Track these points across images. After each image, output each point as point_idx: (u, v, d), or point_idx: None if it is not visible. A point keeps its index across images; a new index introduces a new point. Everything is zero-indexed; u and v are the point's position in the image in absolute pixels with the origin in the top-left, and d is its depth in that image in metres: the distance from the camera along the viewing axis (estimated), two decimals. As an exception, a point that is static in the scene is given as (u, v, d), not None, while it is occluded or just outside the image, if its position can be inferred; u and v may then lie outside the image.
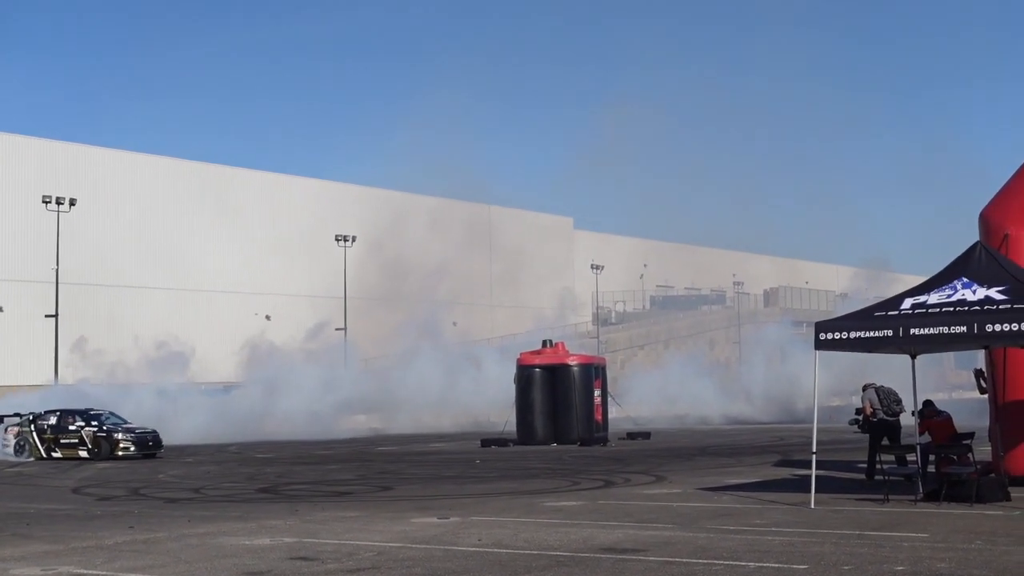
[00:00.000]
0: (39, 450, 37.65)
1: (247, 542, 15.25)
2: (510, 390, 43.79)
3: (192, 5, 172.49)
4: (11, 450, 37.96)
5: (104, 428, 37.72)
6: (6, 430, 38.82)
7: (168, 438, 40.11)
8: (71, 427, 37.87)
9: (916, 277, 22.41)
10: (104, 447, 37.07)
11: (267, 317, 78.44)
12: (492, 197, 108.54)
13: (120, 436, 37.41)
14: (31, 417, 38.60)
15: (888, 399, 23.68)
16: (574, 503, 19.80)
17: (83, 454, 37.23)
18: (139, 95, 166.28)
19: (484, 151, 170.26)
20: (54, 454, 37.44)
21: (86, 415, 38.46)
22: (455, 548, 14.21)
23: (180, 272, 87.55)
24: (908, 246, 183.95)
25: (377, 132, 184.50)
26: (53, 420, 38.34)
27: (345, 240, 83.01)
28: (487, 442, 41.11)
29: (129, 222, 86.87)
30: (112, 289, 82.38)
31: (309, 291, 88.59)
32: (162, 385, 52.81)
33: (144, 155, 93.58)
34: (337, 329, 75.05)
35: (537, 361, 43.09)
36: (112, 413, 39.57)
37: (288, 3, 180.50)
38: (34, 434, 37.95)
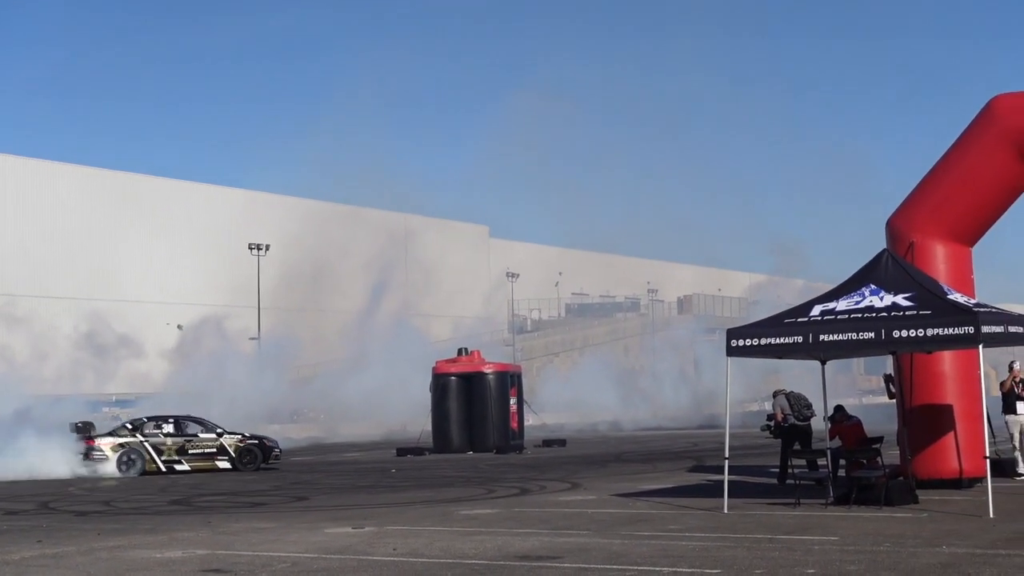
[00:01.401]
0: (156, 463, 33.15)
1: (158, 555, 15.02)
2: (426, 398, 43.67)
3: (107, 9, 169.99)
4: (112, 465, 32.78)
5: (250, 435, 34.86)
6: (87, 440, 33.38)
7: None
8: (201, 434, 34.08)
9: (826, 284, 22.70)
10: (257, 456, 33.94)
11: (179, 327, 77.32)
12: (408, 205, 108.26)
13: (268, 443, 34.62)
14: (130, 425, 34.51)
15: (799, 404, 23.97)
16: (489, 511, 19.78)
17: (223, 464, 33.53)
18: (51, 101, 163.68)
19: (399, 159, 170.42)
20: (178, 467, 33.20)
21: (199, 421, 34.82)
22: (370, 558, 14.13)
23: (92, 281, 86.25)
24: (819, 252, 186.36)
25: (291, 139, 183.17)
26: (169, 427, 33.99)
27: (259, 248, 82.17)
28: (403, 451, 40.92)
29: (42, 231, 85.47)
30: (26, 299, 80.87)
31: (223, 300, 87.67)
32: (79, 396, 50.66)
33: (57, 163, 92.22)
34: (251, 339, 74.32)
35: (453, 369, 43.02)
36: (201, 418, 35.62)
37: (201, 8, 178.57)
38: (146, 444, 33.39)
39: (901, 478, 19.23)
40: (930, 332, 16.82)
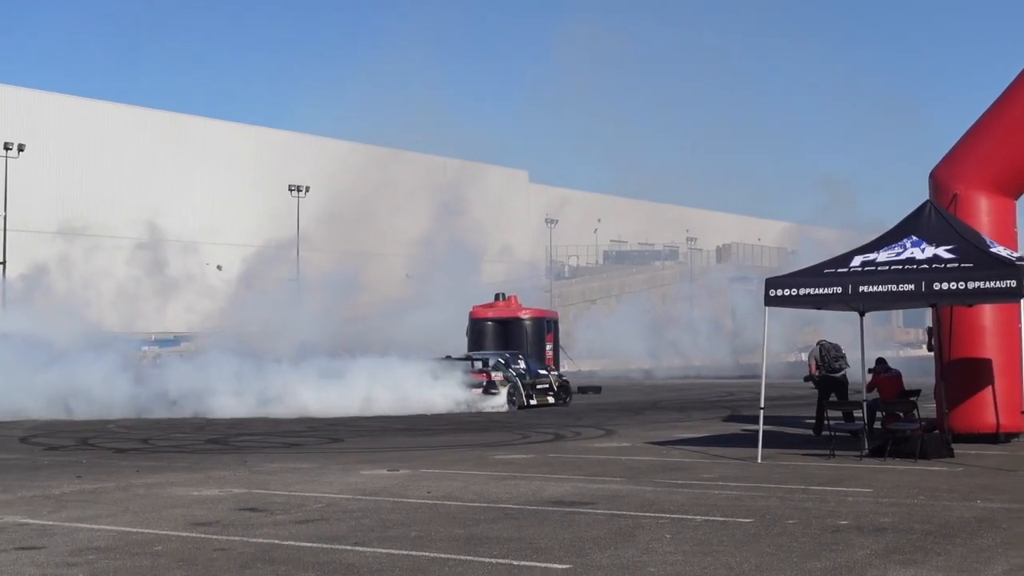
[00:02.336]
0: (522, 398, 34.65)
1: (195, 493, 15.21)
2: (462, 343, 43.72)
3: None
4: (503, 399, 33.66)
5: (558, 373, 36.85)
6: (483, 374, 34.12)
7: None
8: (540, 371, 36.37)
9: (867, 235, 22.40)
10: (567, 393, 36.75)
11: (218, 267, 77.70)
12: (448, 149, 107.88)
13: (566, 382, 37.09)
14: (503, 360, 35.54)
15: (829, 355, 23.72)
16: (524, 456, 19.87)
17: (551, 400, 35.77)
18: (95, 40, 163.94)
19: (440, 102, 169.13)
20: (531, 402, 34.88)
21: (519, 358, 36.70)
22: (404, 500, 14.23)
23: (133, 221, 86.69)
24: (863, 201, 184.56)
25: (333, 82, 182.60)
26: (520, 365, 35.85)
27: (299, 190, 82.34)
28: None
29: (82, 170, 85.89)
30: (65, 237, 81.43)
31: (263, 241, 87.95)
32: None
33: (99, 101, 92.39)
34: (289, 280, 74.57)
35: (490, 314, 43.08)
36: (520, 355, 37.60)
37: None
38: (518, 380, 34.82)
39: (937, 432, 19.13)
40: (971, 285, 16.67)
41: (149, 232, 57.89)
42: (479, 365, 34.79)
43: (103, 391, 33.32)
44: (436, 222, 68.36)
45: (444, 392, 33.22)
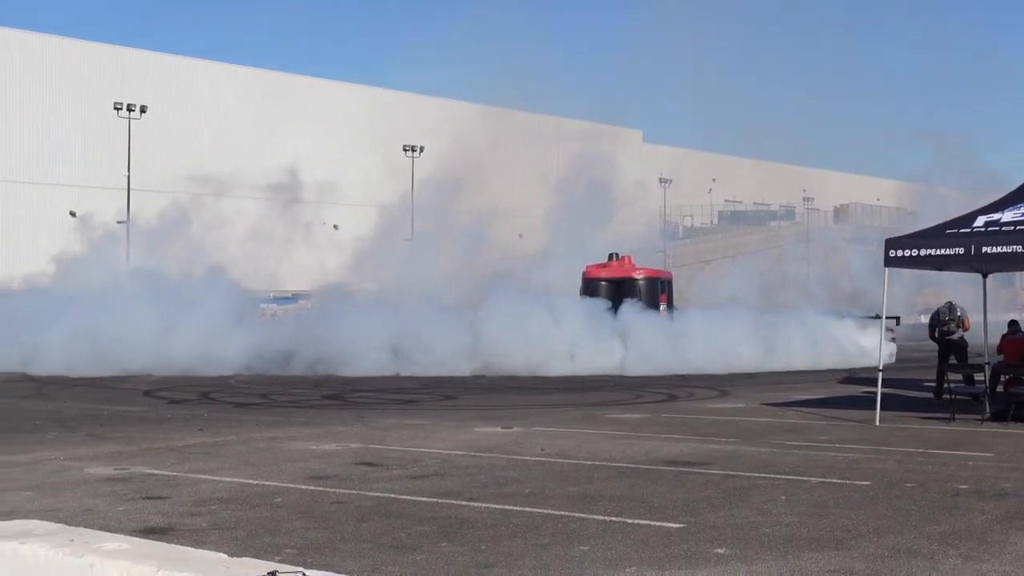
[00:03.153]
0: None
1: (314, 447, 15.50)
2: None
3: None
4: None
5: None
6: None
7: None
8: None
9: (989, 196, 21.78)
10: None
11: (335, 226, 78.65)
12: (560, 109, 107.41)
13: None
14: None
15: (943, 318, 23.21)
16: (637, 416, 19.88)
17: None
18: (204, 2, 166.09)
19: (550, 61, 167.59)
20: None
21: None
22: (518, 457, 14.34)
23: (250, 181, 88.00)
24: (990, 157, 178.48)
25: (440, 42, 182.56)
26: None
27: (413, 150, 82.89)
28: None
29: (198, 131, 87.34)
30: (184, 197, 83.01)
31: (377, 201, 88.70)
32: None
33: (215, 63, 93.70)
34: (404, 239, 75.12)
35: (603, 274, 42.91)
36: None
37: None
38: None
39: (1063, 396, 18.70)
40: (1101, 246, 16.23)
41: (283, 182, 57.83)
42: None
43: (222, 347, 34.01)
44: (555, 182, 67.72)
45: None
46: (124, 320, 34.36)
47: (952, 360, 22.77)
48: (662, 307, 42.25)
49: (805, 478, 12.47)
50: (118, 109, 69.69)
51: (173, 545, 4.20)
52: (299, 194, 60.74)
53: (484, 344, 34.27)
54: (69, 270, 41.28)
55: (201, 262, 41.85)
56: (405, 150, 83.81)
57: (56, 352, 33.23)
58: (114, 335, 33.66)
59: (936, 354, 23.45)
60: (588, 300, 38.53)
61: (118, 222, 66.88)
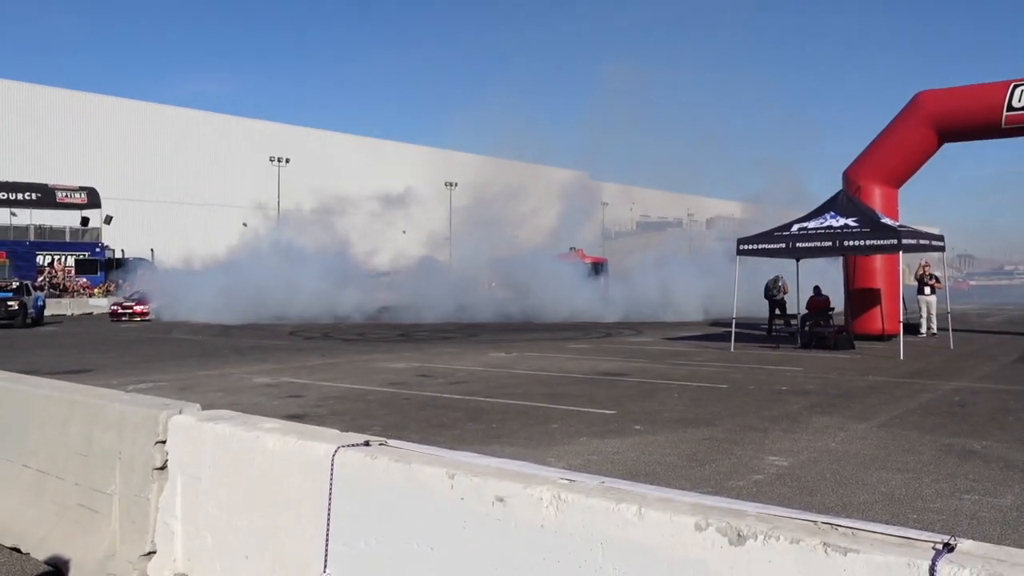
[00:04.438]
0: None
1: (391, 365, 15.49)
2: None
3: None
4: None
5: None
6: None
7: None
8: None
9: (798, 211, 21.64)
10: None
11: (403, 231, 78.15)
12: (544, 158, 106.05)
13: None
14: None
15: (771, 285, 23.26)
16: (586, 346, 19.87)
17: None
18: (322, 88, 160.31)
19: (538, 118, 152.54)
20: None
21: None
22: (514, 371, 14.35)
23: (356, 201, 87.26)
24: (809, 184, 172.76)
25: (465, 115, 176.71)
26: None
27: (451, 185, 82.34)
28: None
29: (323, 174, 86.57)
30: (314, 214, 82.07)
31: (430, 216, 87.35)
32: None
33: (334, 132, 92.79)
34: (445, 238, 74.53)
35: (566, 259, 42.86)
36: None
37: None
38: None
39: (845, 333, 18.71)
40: (868, 242, 16.25)
41: (376, 202, 57.07)
42: None
43: (338, 302, 33.63)
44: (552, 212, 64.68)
45: None
46: (283, 286, 33.55)
47: (777, 312, 22.80)
48: (601, 279, 42.21)
49: (688, 383, 12.48)
50: (271, 160, 69.41)
51: (306, 424, 4.22)
52: (386, 210, 59.74)
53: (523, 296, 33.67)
54: (242, 255, 40.19)
55: (329, 248, 41.00)
56: (446, 185, 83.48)
57: (241, 304, 32.39)
58: (274, 295, 33.01)
59: (768, 307, 23.51)
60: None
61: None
